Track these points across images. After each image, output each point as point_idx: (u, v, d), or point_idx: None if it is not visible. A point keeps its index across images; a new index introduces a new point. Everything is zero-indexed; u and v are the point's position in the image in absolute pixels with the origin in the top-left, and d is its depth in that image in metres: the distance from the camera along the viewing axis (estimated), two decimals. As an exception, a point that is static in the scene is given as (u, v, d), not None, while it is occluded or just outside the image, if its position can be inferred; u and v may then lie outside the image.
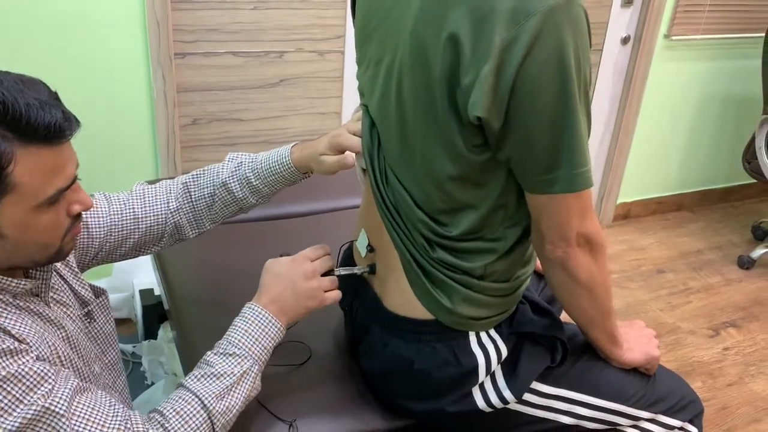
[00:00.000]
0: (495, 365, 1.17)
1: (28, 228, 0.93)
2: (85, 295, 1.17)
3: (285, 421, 1.22)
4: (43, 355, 0.95)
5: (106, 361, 1.20)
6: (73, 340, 1.07)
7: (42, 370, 0.92)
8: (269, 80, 2.50)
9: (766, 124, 2.89)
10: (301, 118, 2.61)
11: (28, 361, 0.92)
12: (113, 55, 2.17)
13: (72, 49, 2.11)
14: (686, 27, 3.10)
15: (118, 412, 0.99)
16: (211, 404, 1.06)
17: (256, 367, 1.13)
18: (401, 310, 1.20)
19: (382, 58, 1.10)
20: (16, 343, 0.92)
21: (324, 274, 1.22)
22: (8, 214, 0.91)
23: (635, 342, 1.28)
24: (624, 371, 1.28)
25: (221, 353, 1.12)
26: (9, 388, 0.90)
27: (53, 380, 0.93)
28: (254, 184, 1.29)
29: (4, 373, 0.89)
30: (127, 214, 1.26)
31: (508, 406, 1.20)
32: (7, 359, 0.90)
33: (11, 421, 0.89)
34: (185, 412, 1.04)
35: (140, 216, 1.28)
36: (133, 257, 1.33)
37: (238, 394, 1.10)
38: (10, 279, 0.97)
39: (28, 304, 1.00)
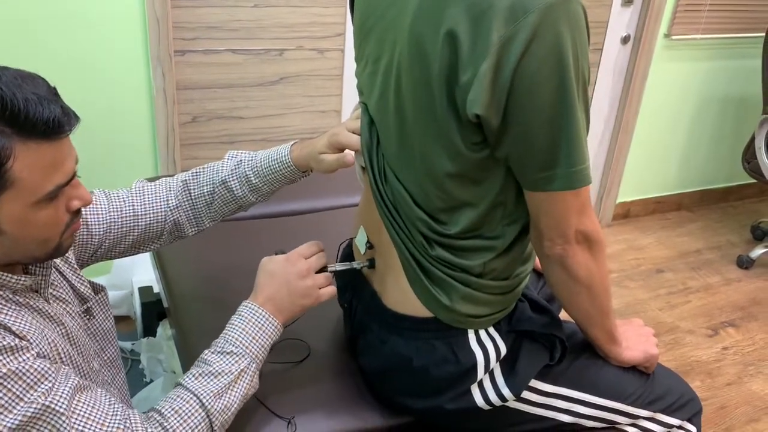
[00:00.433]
0: (494, 363, 1.17)
1: (27, 224, 0.93)
2: (85, 292, 1.17)
3: (283, 418, 1.22)
4: (43, 352, 0.95)
5: (105, 358, 1.20)
6: (72, 336, 1.07)
7: (42, 368, 0.92)
8: (269, 78, 2.50)
9: (766, 124, 2.89)
10: (300, 116, 2.61)
11: (28, 358, 0.92)
12: (113, 52, 2.17)
13: (72, 46, 2.11)
14: (686, 26, 3.10)
15: (117, 410, 0.99)
16: (209, 403, 1.06)
17: (254, 365, 1.13)
18: (400, 308, 1.20)
19: (380, 56, 1.10)
20: (17, 340, 0.92)
21: (319, 271, 1.22)
22: (7, 209, 0.90)
23: (634, 340, 1.28)
24: (623, 369, 1.28)
25: (218, 352, 1.12)
26: (9, 386, 0.89)
27: (53, 378, 0.93)
28: (254, 182, 1.29)
29: (4, 371, 0.89)
30: (127, 212, 1.26)
31: (506, 404, 1.20)
32: (8, 356, 0.90)
33: (11, 418, 0.89)
34: (183, 411, 1.04)
35: (140, 213, 1.28)
36: (133, 254, 1.33)
37: (236, 392, 1.10)
38: (9, 275, 0.97)
39: (27, 300, 1.00)
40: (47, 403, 0.91)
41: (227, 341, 1.13)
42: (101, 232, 1.24)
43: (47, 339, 0.98)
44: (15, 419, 0.89)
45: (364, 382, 1.32)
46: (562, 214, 1.04)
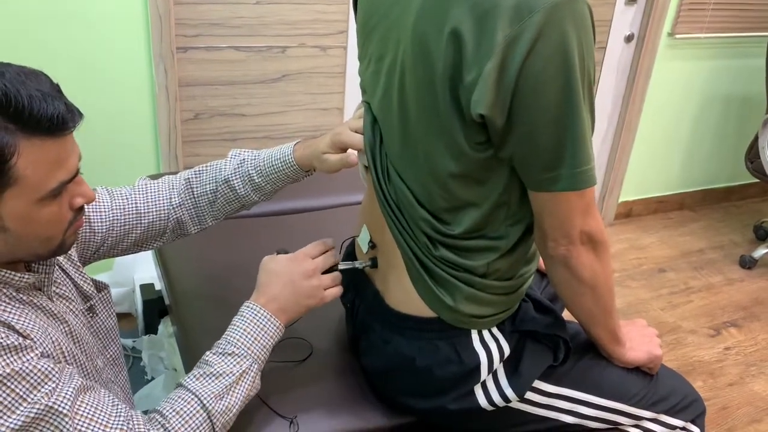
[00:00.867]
0: (497, 363, 1.17)
1: (30, 221, 0.93)
2: (88, 290, 1.17)
3: (286, 417, 1.22)
4: (47, 351, 0.95)
5: (108, 356, 1.20)
6: (75, 334, 1.06)
7: (46, 368, 0.92)
8: (271, 75, 2.49)
9: (769, 124, 2.89)
10: (303, 114, 2.61)
11: (32, 358, 0.91)
12: (115, 48, 2.16)
13: (74, 43, 2.11)
14: (690, 25, 3.09)
15: (120, 412, 0.99)
16: (211, 404, 1.05)
17: (256, 366, 1.13)
18: (403, 308, 1.19)
19: (384, 55, 1.09)
20: (20, 339, 0.91)
21: (326, 270, 1.21)
22: (11, 206, 0.90)
23: (638, 341, 1.28)
24: (626, 370, 1.27)
25: (220, 353, 1.12)
26: (12, 386, 0.89)
27: (57, 378, 0.93)
28: (257, 181, 1.28)
29: (8, 371, 0.89)
30: (130, 209, 1.26)
31: (510, 405, 1.20)
32: (12, 356, 0.89)
33: (14, 419, 0.89)
34: (185, 412, 1.04)
35: (142, 211, 1.27)
36: (135, 252, 1.33)
37: (238, 393, 1.09)
38: (12, 273, 0.97)
39: (31, 298, 1.00)
40: (50, 404, 0.91)
41: (229, 342, 1.13)
42: (104, 230, 1.23)
43: (51, 337, 0.98)
44: (18, 420, 0.89)
45: (367, 382, 1.31)
46: (566, 214, 1.04)
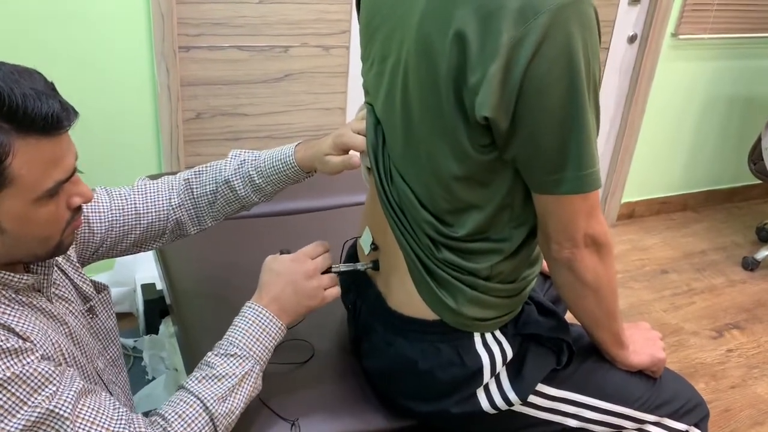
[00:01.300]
0: (500, 367, 1.16)
1: (28, 221, 0.92)
2: (87, 291, 1.16)
3: (287, 420, 1.21)
4: (47, 354, 0.94)
5: (108, 357, 1.19)
6: (75, 336, 1.06)
7: (47, 371, 0.91)
8: (274, 75, 2.49)
9: (773, 125, 2.88)
10: (305, 114, 2.60)
11: (32, 361, 0.91)
12: (116, 48, 2.16)
13: (75, 43, 2.10)
14: (693, 26, 3.08)
15: (122, 415, 0.98)
16: (214, 407, 1.05)
17: (258, 368, 1.12)
18: (405, 310, 1.19)
19: (387, 56, 1.08)
20: (21, 342, 0.91)
21: (324, 272, 1.21)
22: (8, 207, 0.89)
23: (641, 344, 1.27)
24: (629, 374, 1.27)
25: (222, 354, 1.11)
26: (13, 390, 0.88)
27: (58, 381, 0.92)
28: (257, 182, 1.28)
29: (8, 374, 0.88)
30: (129, 210, 1.25)
31: (512, 408, 1.19)
32: (12, 359, 0.89)
33: (15, 423, 0.88)
34: (187, 416, 1.03)
35: (142, 212, 1.27)
36: (134, 253, 1.32)
37: (240, 395, 1.09)
38: (11, 274, 0.96)
39: (30, 299, 0.99)
40: (51, 407, 0.90)
41: (231, 343, 1.12)
42: (103, 230, 1.23)
43: (51, 339, 0.97)
44: (19, 424, 0.88)
45: (368, 385, 1.31)
46: (570, 217, 1.03)
